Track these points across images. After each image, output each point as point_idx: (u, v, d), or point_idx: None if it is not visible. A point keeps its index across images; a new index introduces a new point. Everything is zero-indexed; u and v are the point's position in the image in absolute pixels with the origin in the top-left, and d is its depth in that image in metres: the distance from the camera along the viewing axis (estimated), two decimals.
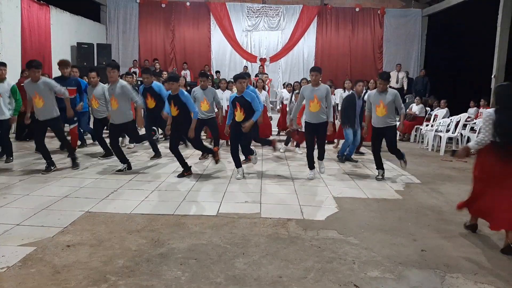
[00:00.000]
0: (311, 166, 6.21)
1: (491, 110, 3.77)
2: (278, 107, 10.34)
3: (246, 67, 15.52)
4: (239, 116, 5.87)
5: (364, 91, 9.78)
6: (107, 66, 6.16)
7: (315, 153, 6.22)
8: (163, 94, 7.18)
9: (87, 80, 8.22)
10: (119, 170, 6.16)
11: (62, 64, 7.32)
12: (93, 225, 3.95)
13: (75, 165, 6.34)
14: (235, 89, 6.48)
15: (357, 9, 16.05)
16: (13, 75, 8.06)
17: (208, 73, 10.23)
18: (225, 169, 6.64)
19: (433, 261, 3.37)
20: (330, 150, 8.94)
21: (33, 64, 5.80)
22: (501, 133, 3.64)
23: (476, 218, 4.11)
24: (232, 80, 10.34)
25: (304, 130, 6.66)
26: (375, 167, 6.35)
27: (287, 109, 9.67)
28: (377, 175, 6.28)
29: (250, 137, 6.17)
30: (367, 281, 2.99)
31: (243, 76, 5.96)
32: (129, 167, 6.28)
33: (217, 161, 6.46)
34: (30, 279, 2.87)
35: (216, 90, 8.64)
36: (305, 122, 6.23)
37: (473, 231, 4.13)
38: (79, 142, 7.94)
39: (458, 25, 14.96)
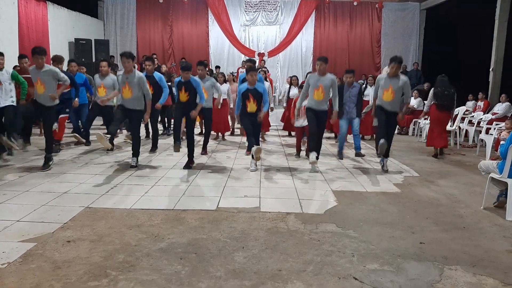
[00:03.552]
0: (312, 149, 6.21)
1: (432, 89, 7.46)
2: (284, 104, 10.02)
3: (244, 61, 15.47)
4: (252, 107, 6.08)
5: (364, 84, 9.81)
6: (121, 55, 6.06)
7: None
8: (163, 85, 7.28)
9: (82, 71, 8.52)
10: (133, 166, 6.12)
11: (56, 60, 7.35)
12: (93, 220, 3.96)
13: (45, 166, 5.96)
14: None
15: (355, 3, 15.99)
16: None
17: (206, 62, 10.07)
18: (224, 163, 6.65)
19: (432, 253, 3.39)
20: (328, 145, 8.96)
21: (36, 51, 5.82)
22: (436, 97, 7.25)
23: (435, 148, 7.58)
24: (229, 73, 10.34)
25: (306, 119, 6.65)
26: (378, 155, 6.44)
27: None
28: (383, 166, 6.27)
29: (260, 128, 6.51)
30: (366, 274, 3.01)
31: (254, 68, 6.21)
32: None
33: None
34: (30, 274, 2.89)
35: None
36: (307, 108, 6.29)
37: (435, 157, 7.50)
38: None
39: (456, 18, 14.94)
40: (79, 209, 4.25)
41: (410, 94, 6.28)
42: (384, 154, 6.20)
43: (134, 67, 6.73)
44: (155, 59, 14.05)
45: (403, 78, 6.06)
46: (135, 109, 6.10)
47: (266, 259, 3.21)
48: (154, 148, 7.45)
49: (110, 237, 3.56)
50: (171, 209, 4.33)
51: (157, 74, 7.42)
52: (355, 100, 7.42)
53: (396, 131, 8.25)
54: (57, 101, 6.14)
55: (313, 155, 6.07)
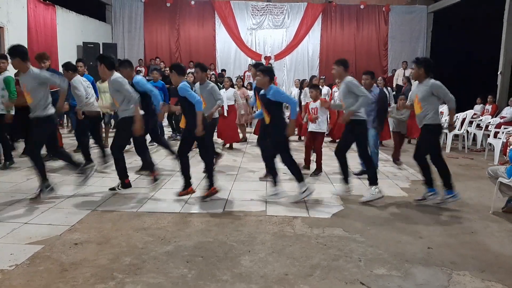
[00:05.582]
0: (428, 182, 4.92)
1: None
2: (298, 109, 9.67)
3: (251, 65, 15.50)
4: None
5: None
6: (120, 64, 5.66)
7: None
8: (166, 93, 7.02)
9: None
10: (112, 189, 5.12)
11: (37, 57, 6.46)
12: (100, 223, 3.97)
13: (38, 198, 4.61)
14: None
15: (361, 6, 16.02)
16: None
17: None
18: (231, 167, 6.64)
19: (440, 258, 3.36)
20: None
21: (12, 52, 4.46)
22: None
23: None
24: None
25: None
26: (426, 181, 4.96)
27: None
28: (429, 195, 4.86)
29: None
30: (373, 279, 2.99)
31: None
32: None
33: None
34: (38, 276, 2.90)
35: (221, 90, 8.59)
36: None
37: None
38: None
39: (464, 21, 14.85)
40: (86, 211, 4.27)
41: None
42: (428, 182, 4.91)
43: (140, 72, 6.65)
44: (162, 63, 14.19)
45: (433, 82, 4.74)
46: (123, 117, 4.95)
47: (272, 263, 3.20)
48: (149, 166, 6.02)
49: (117, 240, 3.58)
50: (177, 212, 4.34)
51: (160, 83, 7.12)
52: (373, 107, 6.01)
53: (406, 141, 8.26)
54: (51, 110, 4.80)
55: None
